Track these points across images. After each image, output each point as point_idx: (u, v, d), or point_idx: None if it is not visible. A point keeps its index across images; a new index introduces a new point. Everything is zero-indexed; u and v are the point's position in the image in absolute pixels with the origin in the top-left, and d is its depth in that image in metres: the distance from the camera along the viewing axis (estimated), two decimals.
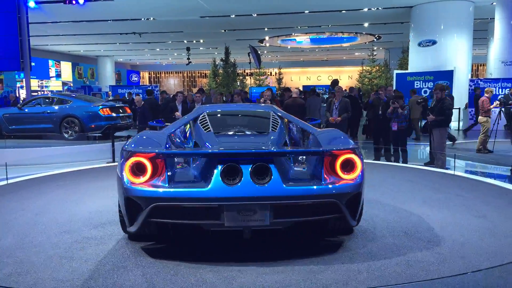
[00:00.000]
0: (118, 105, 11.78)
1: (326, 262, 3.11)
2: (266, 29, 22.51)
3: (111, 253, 3.30)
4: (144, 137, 3.59)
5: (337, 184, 3.08)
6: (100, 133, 10.73)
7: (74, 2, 14.56)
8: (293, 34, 25.24)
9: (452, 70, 15.07)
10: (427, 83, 15.25)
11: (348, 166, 3.17)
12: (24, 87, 14.18)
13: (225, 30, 22.75)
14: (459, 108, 14.55)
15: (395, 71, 17.17)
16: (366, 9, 17.84)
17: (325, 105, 10.61)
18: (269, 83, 34.33)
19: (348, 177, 3.14)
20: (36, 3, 13.72)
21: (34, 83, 28.36)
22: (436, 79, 15.03)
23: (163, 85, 43.04)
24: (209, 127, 3.97)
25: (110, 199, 4.86)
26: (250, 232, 3.15)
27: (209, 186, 2.96)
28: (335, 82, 10.93)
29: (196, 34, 24.35)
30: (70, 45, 28.24)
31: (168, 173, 3.11)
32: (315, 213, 3.13)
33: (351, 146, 3.24)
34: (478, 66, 36.19)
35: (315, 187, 3.06)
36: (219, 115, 4.64)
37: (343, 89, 10.90)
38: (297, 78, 41.51)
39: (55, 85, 31.76)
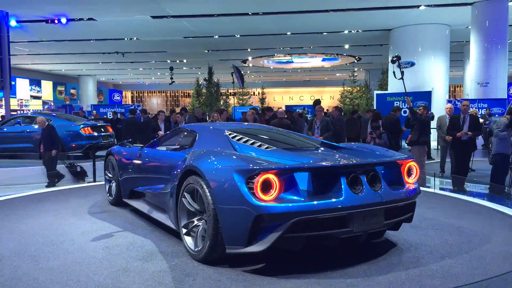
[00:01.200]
0: (100, 124, 11.68)
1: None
2: (249, 49, 22.80)
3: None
4: (223, 154, 3.56)
5: (413, 188, 3.63)
6: (81, 153, 10.58)
7: (56, 21, 14.57)
8: (275, 54, 25.61)
9: (430, 90, 15.47)
10: (406, 103, 15.57)
11: (412, 172, 3.73)
12: (4, 106, 13.93)
13: (208, 50, 22.95)
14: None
15: (376, 92, 17.53)
16: (346, 31, 18.29)
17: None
18: (252, 102, 34.54)
19: (413, 181, 3.71)
20: (18, 22, 13.66)
21: (14, 102, 27.91)
22: (415, 100, 15.39)
23: (146, 104, 42.84)
24: (263, 144, 3.92)
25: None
26: (366, 235, 3.38)
27: (343, 197, 3.12)
28: (317, 102, 11.06)
29: (180, 54, 24.48)
30: (52, 64, 28.02)
31: (297, 187, 3.13)
32: (403, 213, 3.57)
33: (412, 156, 3.89)
34: (455, 87, 37.23)
35: (407, 190, 3.55)
36: (255, 133, 4.47)
37: (325, 109, 11.03)
38: (279, 98, 41.91)
39: (35, 104, 31.31)
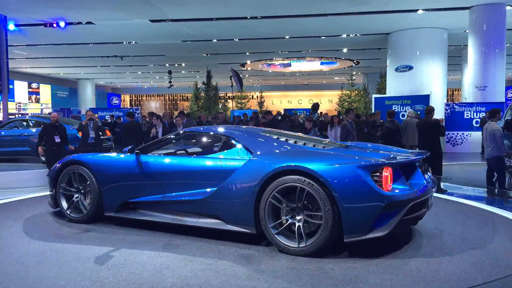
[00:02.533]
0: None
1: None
2: (247, 53, 22.82)
3: None
4: (326, 153, 4.00)
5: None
6: None
7: (55, 25, 14.56)
8: (274, 58, 25.64)
9: (428, 94, 15.50)
10: (404, 107, 15.62)
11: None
12: (1, 110, 13.91)
13: (207, 54, 22.97)
14: None
15: (374, 95, 17.56)
16: (344, 35, 18.33)
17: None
18: (250, 106, 34.58)
19: None
20: (16, 25, 13.65)
21: (12, 106, 27.87)
22: (414, 103, 15.43)
23: (144, 108, 42.83)
24: (310, 143, 4.45)
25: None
26: None
27: (425, 184, 3.93)
28: (315, 106, 11.08)
29: (178, 57, 24.49)
30: (50, 67, 28.00)
31: (400, 178, 3.74)
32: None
33: None
34: (453, 90, 37.32)
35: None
36: (282, 134, 4.86)
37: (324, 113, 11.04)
38: (278, 102, 41.96)
39: (33, 108, 31.28)
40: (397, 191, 3.60)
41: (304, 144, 4.37)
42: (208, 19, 15.14)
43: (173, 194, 4.37)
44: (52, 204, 5.12)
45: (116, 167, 4.74)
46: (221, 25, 15.97)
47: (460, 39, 17.88)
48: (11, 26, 12.56)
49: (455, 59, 21.55)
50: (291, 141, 4.38)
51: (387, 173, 3.55)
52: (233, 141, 4.33)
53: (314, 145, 4.35)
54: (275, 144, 4.26)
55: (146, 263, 3.57)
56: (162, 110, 43.48)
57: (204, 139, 5.09)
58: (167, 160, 4.59)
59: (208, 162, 4.26)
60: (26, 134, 10.81)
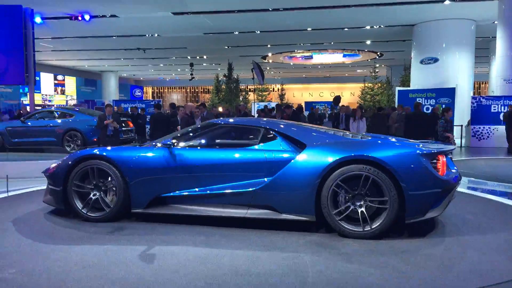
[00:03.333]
0: (121, 119, 11.84)
1: None
2: (269, 45, 22.72)
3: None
4: (383, 143, 4.41)
5: None
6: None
7: (80, 18, 14.83)
8: (296, 50, 25.46)
9: (454, 87, 15.12)
10: (429, 100, 15.28)
11: None
12: (28, 101, 14.27)
13: (228, 47, 22.98)
14: (462, 126, 14.55)
15: (397, 88, 17.23)
16: (368, 27, 18.02)
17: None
18: (271, 99, 34.49)
19: None
20: (42, 19, 13.94)
21: (38, 97, 28.59)
22: (438, 96, 15.08)
23: (166, 100, 43.25)
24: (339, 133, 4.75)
25: None
26: None
27: (457, 172, 4.33)
28: (337, 99, 10.96)
29: (200, 50, 24.59)
30: (75, 60, 28.55)
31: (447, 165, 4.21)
32: None
33: None
34: (480, 83, 36.32)
35: None
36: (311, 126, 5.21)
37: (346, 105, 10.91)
38: (299, 94, 41.70)
39: (59, 99, 32.01)
40: (449, 176, 4.06)
41: (347, 135, 4.67)
42: (230, 11, 15.12)
43: (218, 186, 4.33)
44: (57, 202, 4.68)
45: (147, 161, 4.48)
46: (243, 17, 15.93)
47: (488, 30, 17.34)
48: (37, 19, 12.84)
49: (482, 51, 20.94)
50: (333, 133, 4.63)
51: (443, 160, 4.06)
52: (285, 134, 4.43)
53: (352, 136, 4.64)
54: (325, 136, 4.47)
55: (226, 263, 3.33)
56: (183, 102, 43.84)
57: (247, 131, 4.85)
58: (210, 152, 4.48)
59: (259, 154, 4.30)
60: (51, 125, 11.06)
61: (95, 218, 4.53)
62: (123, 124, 11.56)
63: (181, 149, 4.50)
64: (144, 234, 4.11)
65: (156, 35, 19.47)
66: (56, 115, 11.51)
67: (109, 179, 4.50)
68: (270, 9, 14.86)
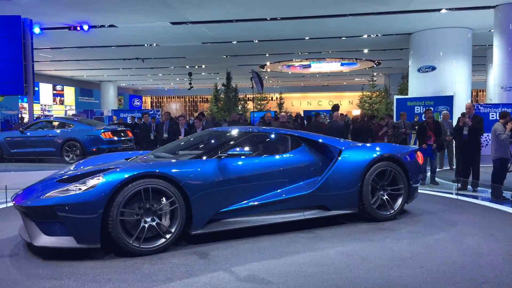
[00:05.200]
0: (120, 128, 11.84)
1: None
2: (267, 54, 22.81)
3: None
4: (388, 146, 5.95)
5: None
6: None
7: (79, 28, 14.88)
8: (294, 59, 25.56)
9: (452, 95, 15.17)
10: (427, 107, 15.31)
11: None
12: (27, 111, 14.25)
13: (226, 56, 23.06)
14: None
15: (396, 96, 17.28)
16: (365, 36, 18.13)
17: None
18: (270, 108, 34.56)
19: None
20: (41, 29, 13.99)
21: (37, 107, 28.60)
22: (436, 104, 15.13)
23: (165, 109, 43.31)
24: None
25: None
26: None
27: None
28: (335, 107, 10.98)
29: (198, 59, 24.67)
30: (74, 70, 28.59)
31: None
32: None
33: None
34: (478, 91, 36.46)
35: None
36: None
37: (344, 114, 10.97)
38: (298, 103, 41.80)
39: (58, 109, 32.02)
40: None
41: (353, 142, 5.61)
42: (228, 21, 15.20)
43: (275, 193, 4.45)
44: (85, 238, 3.61)
45: (207, 175, 4.12)
46: (241, 26, 16.01)
47: (485, 38, 17.45)
48: (36, 30, 12.88)
49: (479, 59, 21.04)
50: (343, 140, 5.46)
51: (421, 154, 5.44)
52: (319, 141, 5.03)
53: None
54: (345, 141, 5.33)
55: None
56: (182, 111, 43.89)
57: (280, 140, 5.01)
58: (261, 160, 4.54)
59: (307, 159, 4.79)
60: (50, 135, 11.05)
61: (151, 250, 3.80)
62: (122, 134, 11.55)
63: (233, 159, 4.33)
64: (230, 256, 3.75)
65: (154, 44, 19.54)
66: (55, 125, 11.49)
67: (163, 199, 3.87)
68: (268, 18, 14.93)
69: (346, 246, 4.00)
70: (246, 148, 4.54)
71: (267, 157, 4.66)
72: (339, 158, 4.76)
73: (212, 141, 5.06)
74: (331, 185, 4.62)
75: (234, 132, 5.00)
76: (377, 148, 5.12)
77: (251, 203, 4.28)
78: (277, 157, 4.68)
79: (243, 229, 4.25)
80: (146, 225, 3.80)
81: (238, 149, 4.32)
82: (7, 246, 4.13)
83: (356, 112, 24.03)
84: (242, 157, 4.38)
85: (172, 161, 4.39)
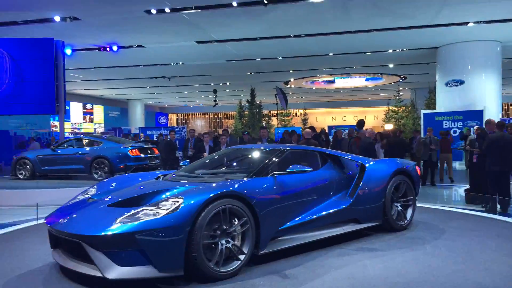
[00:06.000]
0: (147, 146, 12.04)
1: None
2: (291, 71, 22.89)
3: None
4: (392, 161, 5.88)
5: None
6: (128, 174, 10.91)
7: (108, 49, 15.36)
8: (317, 75, 25.56)
9: (482, 109, 14.79)
10: (456, 123, 14.99)
11: None
12: (59, 129, 14.70)
13: (251, 73, 23.27)
14: None
15: (423, 111, 16.99)
16: (391, 51, 17.96)
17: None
18: (294, 123, 34.53)
19: None
20: (73, 50, 14.51)
21: (68, 125, 29.47)
22: (466, 119, 14.80)
23: (190, 126, 43.89)
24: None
25: None
26: None
27: None
28: (361, 123, 10.87)
29: (223, 77, 24.98)
30: (103, 89, 29.42)
31: None
32: None
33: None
34: (509, 105, 35.44)
35: None
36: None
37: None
38: (322, 119, 41.58)
39: (87, 127, 32.92)
40: None
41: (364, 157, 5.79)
42: (252, 39, 15.38)
43: (319, 208, 4.62)
44: (169, 265, 3.38)
45: (269, 193, 4.12)
46: (265, 44, 16.16)
47: None
48: (68, 51, 13.36)
49: (510, 72, 20.49)
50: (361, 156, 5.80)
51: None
52: (347, 157, 5.33)
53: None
54: (363, 157, 5.62)
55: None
56: (207, 128, 44.34)
57: (310, 156, 5.20)
58: (308, 176, 4.64)
59: (341, 175, 5.06)
60: (80, 152, 11.33)
61: (229, 274, 3.65)
62: (149, 151, 11.74)
63: (288, 176, 4.38)
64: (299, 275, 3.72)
65: (180, 63, 19.93)
66: (85, 143, 11.79)
67: (235, 220, 3.77)
68: (292, 35, 15.03)
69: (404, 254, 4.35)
70: (296, 165, 4.46)
71: (314, 172, 4.77)
72: (366, 173, 5.03)
73: (257, 157, 5.05)
74: (363, 199, 4.89)
75: (281, 150, 4.94)
76: (392, 164, 5.45)
77: (303, 220, 4.41)
78: (320, 172, 4.93)
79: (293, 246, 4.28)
80: (223, 248, 3.66)
81: (292, 166, 4.35)
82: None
83: (389, 127, 23.71)
84: (294, 173, 4.40)
85: (244, 179, 4.22)
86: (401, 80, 26.57)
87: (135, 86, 27.57)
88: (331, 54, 18.40)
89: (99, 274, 3.27)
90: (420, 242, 4.76)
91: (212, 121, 47.20)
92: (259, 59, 19.26)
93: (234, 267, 3.68)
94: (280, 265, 3.99)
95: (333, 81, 28.02)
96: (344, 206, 4.74)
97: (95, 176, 10.87)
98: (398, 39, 15.95)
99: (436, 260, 4.09)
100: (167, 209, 3.41)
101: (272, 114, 33.72)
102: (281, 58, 19.03)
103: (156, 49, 16.78)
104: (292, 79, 26.33)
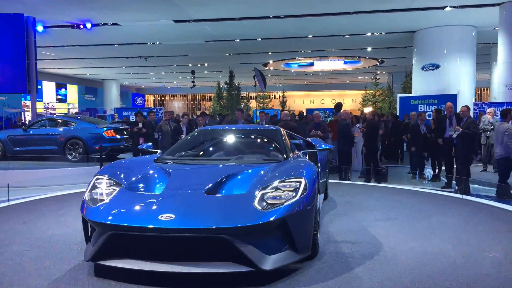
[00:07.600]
0: (122, 127, 11.83)
1: None
2: (270, 53, 22.76)
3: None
4: None
5: None
6: (103, 155, 10.71)
7: (82, 26, 14.88)
8: (296, 58, 25.50)
9: (456, 94, 15.10)
10: (431, 106, 15.26)
11: None
12: (30, 109, 14.27)
13: (229, 54, 23.02)
14: None
15: (399, 95, 17.22)
16: (369, 34, 18.05)
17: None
18: (272, 106, 34.52)
19: None
20: (44, 27, 13.99)
21: (40, 105, 28.63)
22: (440, 103, 15.07)
23: (167, 107, 43.33)
24: None
25: None
26: None
27: None
28: (338, 106, 10.94)
29: (201, 58, 24.65)
30: (77, 68, 28.63)
31: None
32: None
33: None
34: (482, 90, 36.30)
35: None
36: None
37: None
38: (300, 101, 41.71)
39: (60, 107, 32.08)
40: None
41: None
42: (231, 19, 15.16)
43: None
44: (305, 248, 3.41)
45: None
46: (244, 24, 15.96)
47: (490, 36, 17.32)
48: (39, 28, 12.88)
49: (484, 57, 20.93)
50: None
51: None
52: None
53: None
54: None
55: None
56: (184, 110, 43.91)
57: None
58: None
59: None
60: (53, 133, 11.05)
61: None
62: (125, 132, 11.54)
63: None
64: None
65: (157, 43, 19.53)
66: (58, 123, 11.49)
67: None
68: (271, 16, 14.89)
69: None
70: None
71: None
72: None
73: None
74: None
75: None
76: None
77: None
78: None
79: None
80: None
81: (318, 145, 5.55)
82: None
83: (368, 109, 24.02)
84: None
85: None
86: (378, 64, 26.82)
87: (111, 65, 26.93)
88: (310, 36, 18.35)
89: (248, 269, 2.99)
90: None
91: (190, 102, 46.71)
92: (238, 40, 19.05)
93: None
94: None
95: (312, 64, 28.05)
96: None
97: (69, 157, 10.66)
98: (377, 22, 16.02)
99: None
100: (299, 190, 3.37)
101: (251, 96, 33.58)
102: (260, 39, 18.87)
103: (132, 28, 16.35)
104: (271, 61, 26.20)
